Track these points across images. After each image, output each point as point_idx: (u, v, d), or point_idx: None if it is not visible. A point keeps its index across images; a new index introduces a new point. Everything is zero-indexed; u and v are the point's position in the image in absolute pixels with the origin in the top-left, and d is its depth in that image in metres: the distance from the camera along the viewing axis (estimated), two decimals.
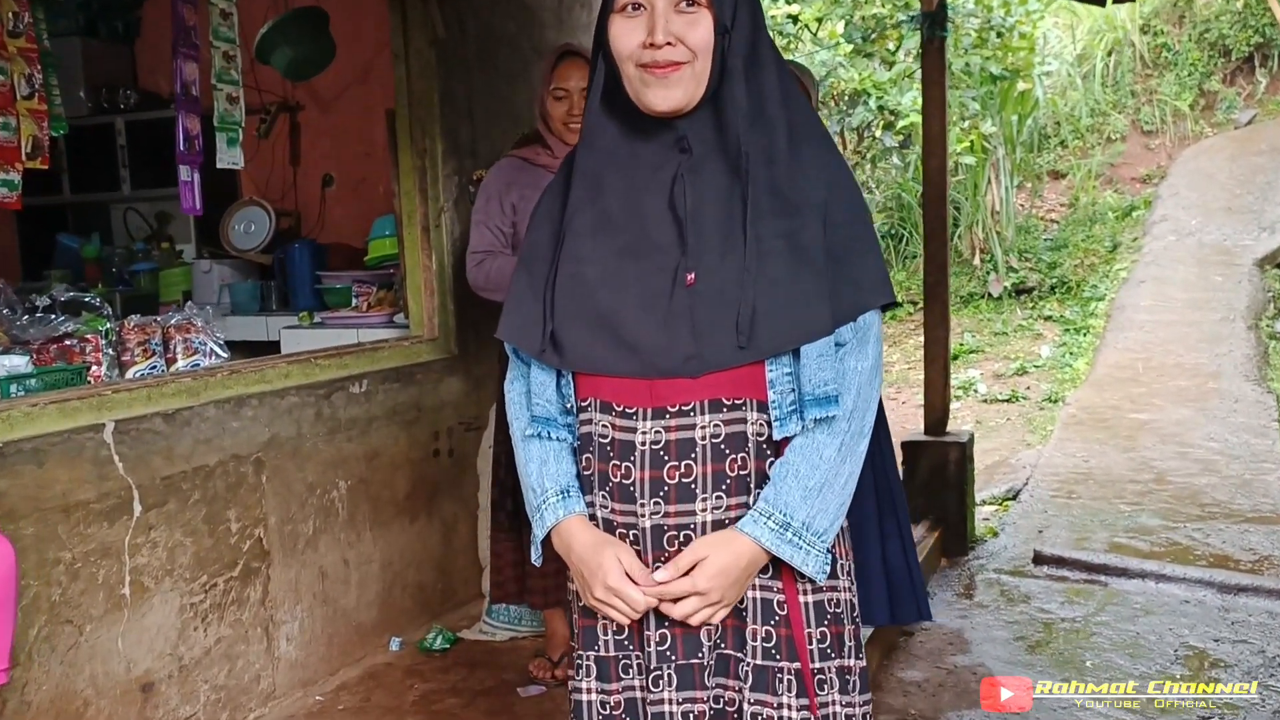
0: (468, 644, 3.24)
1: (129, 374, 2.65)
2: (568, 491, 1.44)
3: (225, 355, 2.85)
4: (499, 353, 2.89)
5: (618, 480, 1.39)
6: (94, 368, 2.59)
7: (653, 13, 1.32)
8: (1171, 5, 11.30)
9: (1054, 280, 9.59)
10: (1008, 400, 7.51)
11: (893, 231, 10.32)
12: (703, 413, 1.36)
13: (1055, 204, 10.83)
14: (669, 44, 1.31)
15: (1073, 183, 10.81)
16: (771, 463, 1.39)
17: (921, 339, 4.55)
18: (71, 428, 2.33)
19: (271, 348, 4.23)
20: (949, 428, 4.51)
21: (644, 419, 1.37)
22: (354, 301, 4.14)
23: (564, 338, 1.40)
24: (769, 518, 1.35)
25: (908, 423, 7.03)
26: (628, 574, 1.37)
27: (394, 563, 3.27)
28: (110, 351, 2.64)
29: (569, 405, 1.45)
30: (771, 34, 8.99)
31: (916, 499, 4.34)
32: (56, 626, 2.29)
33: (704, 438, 1.37)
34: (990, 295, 9.74)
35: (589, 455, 1.43)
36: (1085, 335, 8.47)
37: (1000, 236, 9.95)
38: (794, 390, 1.37)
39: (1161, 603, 3.76)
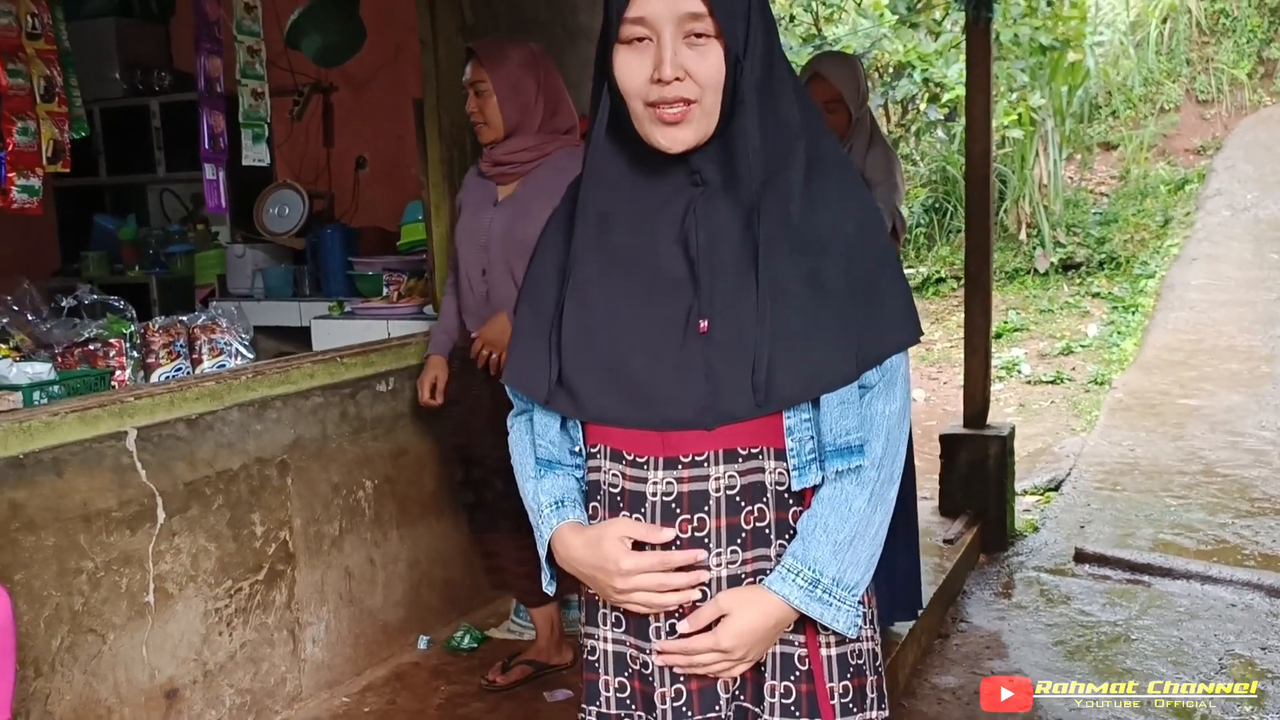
0: (496, 643, 3.22)
1: (154, 376, 2.63)
2: (561, 502, 1.38)
3: (250, 355, 2.82)
4: None
5: None
6: (118, 371, 2.57)
7: (659, 44, 1.23)
8: None
9: (1103, 256, 9.38)
10: (1052, 382, 7.36)
11: (937, 205, 10.14)
12: (717, 463, 1.30)
13: (1105, 176, 10.56)
14: (677, 79, 1.23)
15: (1124, 154, 10.53)
16: (795, 512, 1.32)
17: (964, 315, 4.43)
18: (92, 436, 2.31)
19: (303, 333, 4.22)
20: (990, 419, 4.41)
21: (655, 469, 1.31)
22: (384, 290, 4.11)
23: (571, 385, 1.33)
24: (797, 574, 1.28)
25: (949, 404, 6.92)
26: (636, 542, 1.29)
27: (421, 561, 3.25)
28: (134, 354, 2.62)
29: (576, 448, 1.39)
30: (813, 11, 8.67)
31: (955, 493, 4.28)
32: (79, 636, 2.29)
33: (718, 489, 1.30)
34: (1036, 271, 9.54)
35: (597, 504, 1.37)
36: (1134, 314, 8.28)
37: (1048, 210, 9.73)
38: (813, 438, 1.30)
39: (1207, 606, 3.66)
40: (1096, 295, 8.96)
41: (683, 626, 1.31)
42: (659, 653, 1.32)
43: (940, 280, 9.74)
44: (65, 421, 2.27)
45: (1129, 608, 3.68)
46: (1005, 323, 8.54)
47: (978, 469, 4.22)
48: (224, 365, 2.78)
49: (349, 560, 2.99)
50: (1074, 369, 7.57)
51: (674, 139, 1.25)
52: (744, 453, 1.30)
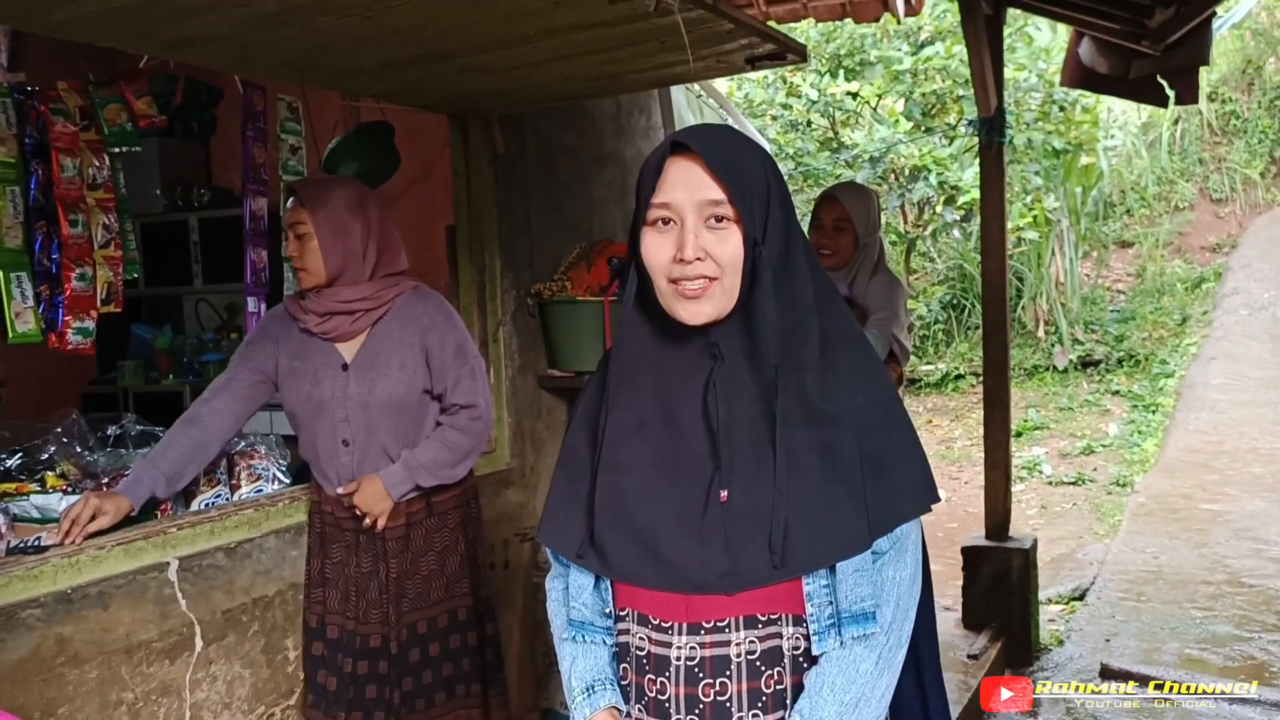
0: None
1: (194, 504, 2.72)
2: (592, 688, 1.45)
3: (287, 481, 2.90)
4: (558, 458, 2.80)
5: (653, 695, 1.40)
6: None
7: (683, 228, 1.34)
8: (1240, 72, 11.16)
9: (1121, 353, 9.44)
10: (1074, 483, 7.36)
11: (954, 301, 10.26)
12: (738, 629, 1.36)
13: (1122, 273, 10.68)
14: (698, 259, 1.33)
15: (1140, 252, 10.65)
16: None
17: (983, 430, 4.48)
18: (137, 568, 2.38)
19: None
20: (1012, 521, 4.43)
21: (680, 634, 1.38)
22: None
23: (601, 545, 1.41)
24: None
25: (970, 505, 6.92)
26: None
27: None
28: None
29: (608, 610, 1.46)
30: (830, 117, 8.79)
31: (978, 606, 4.28)
32: None
33: (739, 654, 1.36)
34: (1056, 368, 9.60)
35: (626, 666, 1.44)
36: (1154, 413, 8.30)
37: (1065, 307, 9.82)
38: (831, 603, 1.36)
39: None
40: (1116, 393, 8.99)
41: None
42: None
43: (959, 376, 9.81)
44: (111, 555, 2.35)
45: None
46: (1025, 421, 8.57)
47: (1001, 582, 4.23)
48: (261, 490, 2.85)
49: None
50: (1095, 469, 7.57)
51: (694, 313, 1.35)
52: (763, 619, 1.36)
